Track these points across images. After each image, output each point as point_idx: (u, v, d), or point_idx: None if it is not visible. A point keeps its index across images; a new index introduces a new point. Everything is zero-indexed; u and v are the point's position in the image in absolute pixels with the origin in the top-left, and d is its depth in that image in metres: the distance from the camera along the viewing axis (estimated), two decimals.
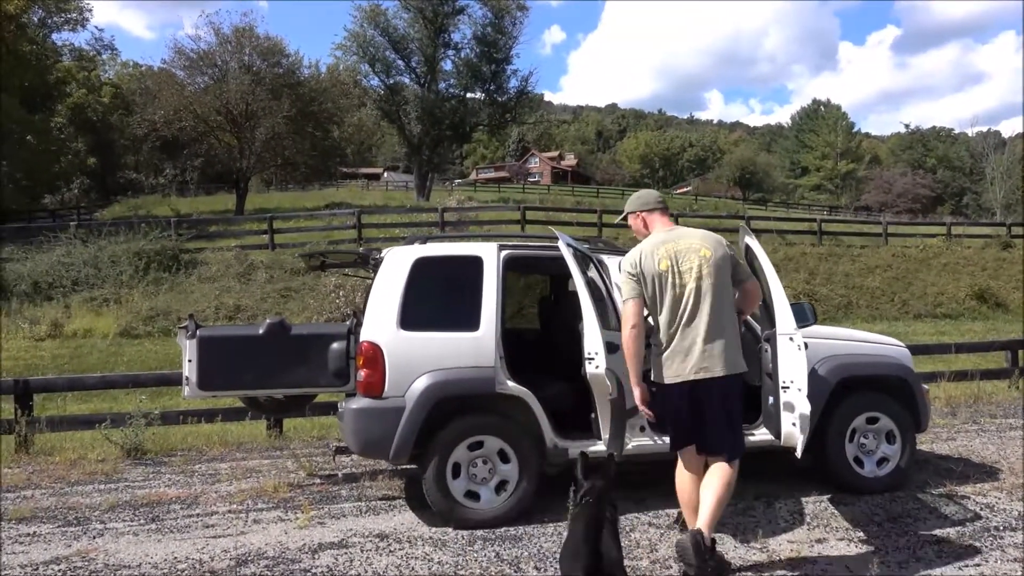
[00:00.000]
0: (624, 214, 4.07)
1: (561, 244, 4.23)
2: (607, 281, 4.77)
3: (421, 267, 4.62)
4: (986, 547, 3.88)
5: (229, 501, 5.18)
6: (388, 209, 25.75)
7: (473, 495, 4.48)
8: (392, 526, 4.53)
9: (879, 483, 4.95)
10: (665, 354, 3.63)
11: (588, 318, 3.97)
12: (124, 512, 4.99)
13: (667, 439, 4.24)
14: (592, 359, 3.91)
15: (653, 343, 3.74)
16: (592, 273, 4.57)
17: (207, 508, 5.04)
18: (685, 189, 72.86)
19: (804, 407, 4.03)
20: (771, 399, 4.41)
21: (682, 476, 3.76)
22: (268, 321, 5.39)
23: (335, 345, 5.34)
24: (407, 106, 38.11)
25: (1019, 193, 68.56)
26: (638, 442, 4.58)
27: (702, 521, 3.50)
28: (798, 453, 4.07)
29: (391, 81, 38.06)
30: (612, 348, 4.11)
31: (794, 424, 4.08)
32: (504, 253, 4.77)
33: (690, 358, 3.57)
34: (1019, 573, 3.55)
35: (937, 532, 4.14)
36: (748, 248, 4.42)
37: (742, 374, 3.75)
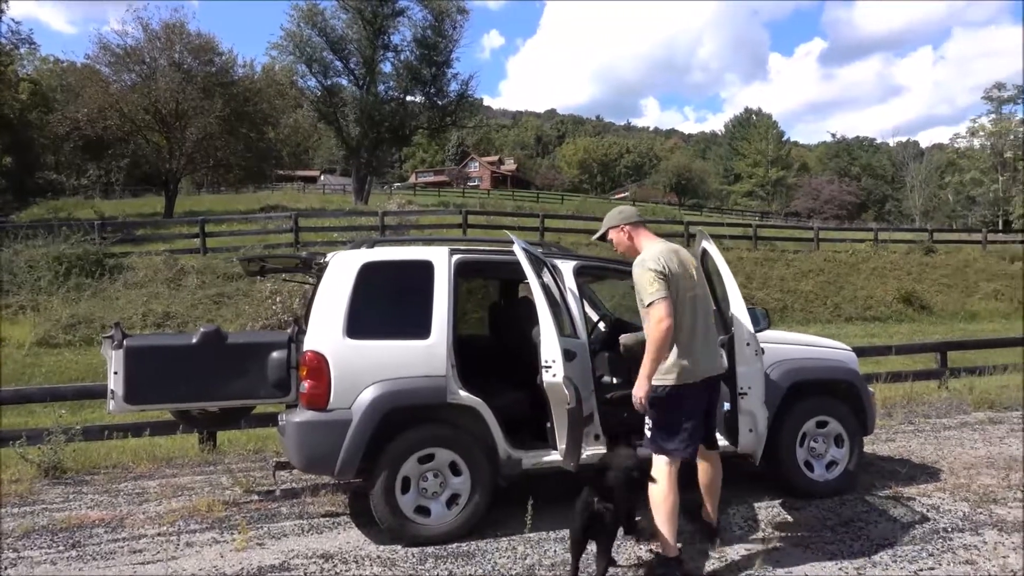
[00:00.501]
0: (603, 230, 4.02)
1: (516, 248, 4.09)
2: (561, 286, 4.66)
3: (368, 272, 4.42)
4: (937, 550, 3.90)
5: (158, 523, 4.85)
6: (326, 212, 25.15)
7: (423, 510, 4.30)
8: (337, 545, 4.30)
9: (829, 487, 4.97)
10: (687, 355, 3.64)
11: (545, 324, 3.84)
12: (41, 538, 4.61)
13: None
14: (549, 367, 3.78)
15: (675, 343, 3.64)
16: (546, 278, 4.45)
17: (134, 531, 4.70)
18: (623, 195, 73.85)
19: (762, 414, 4.01)
20: (726, 405, 4.38)
21: (673, 491, 3.61)
22: (202, 329, 5.06)
23: (275, 354, 5.06)
24: (345, 108, 37.41)
25: (936, 200, 72.13)
26: (592, 451, 4.46)
27: (713, 509, 4.10)
28: (756, 460, 4.05)
29: (329, 82, 37.27)
30: (569, 355, 4.00)
31: (751, 430, 4.05)
32: (456, 258, 4.61)
33: (707, 358, 3.72)
34: (970, 574, 3.58)
35: (889, 536, 4.16)
36: (705, 252, 4.38)
37: None
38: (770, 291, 18.86)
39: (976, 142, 67.91)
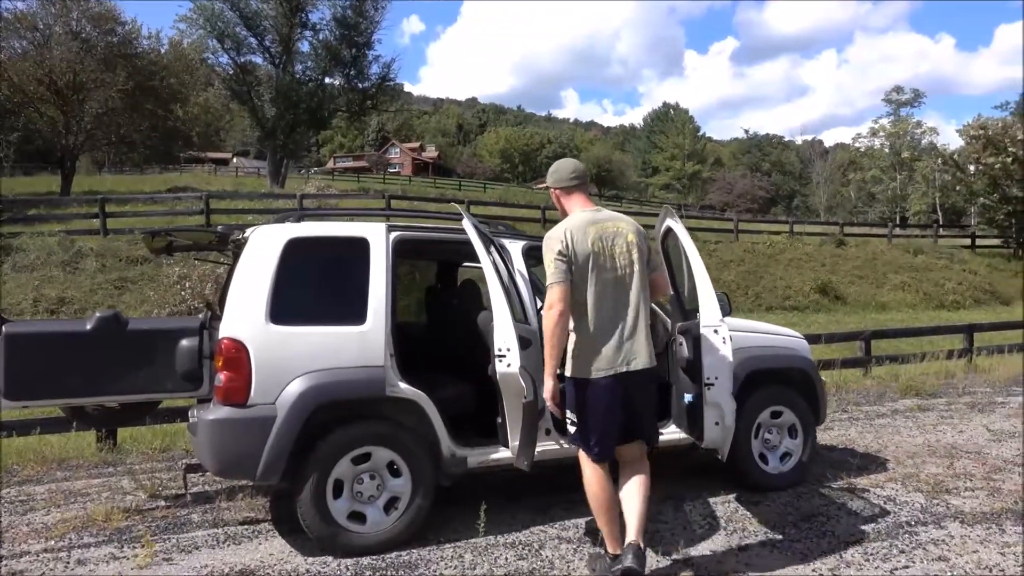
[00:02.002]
0: (546, 184, 3.70)
1: (466, 223, 3.68)
2: (510, 268, 4.26)
3: (295, 249, 3.90)
4: (907, 546, 3.73)
5: (46, 536, 4.20)
6: (239, 195, 23.83)
7: (358, 516, 3.83)
8: (259, 558, 3.79)
9: (784, 479, 4.80)
10: (593, 345, 3.27)
11: (499, 308, 3.44)
12: None
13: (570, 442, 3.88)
14: (503, 356, 3.39)
15: (575, 332, 3.30)
16: (495, 258, 4.04)
17: (16, 547, 4.04)
18: (544, 184, 73.95)
19: (729, 405, 3.74)
20: (688, 396, 4.10)
21: (598, 483, 3.33)
22: (98, 315, 4.43)
23: (185, 342, 4.50)
24: (260, 87, 35.66)
25: (839, 197, 75.68)
26: (543, 447, 4.10)
27: (636, 530, 3.25)
28: (723, 455, 3.78)
29: (242, 60, 35.48)
30: (525, 343, 3.61)
31: (717, 423, 3.78)
32: (394, 235, 4.14)
33: (621, 349, 3.28)
34: (946, 571, 3.41)
35: (854, 531, 3.98)
36: (670, 231, 4.07)
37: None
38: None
39: (877, 142, 71.51)
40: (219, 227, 4.39)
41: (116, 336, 4.38)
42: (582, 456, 3.38)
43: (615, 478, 3.42)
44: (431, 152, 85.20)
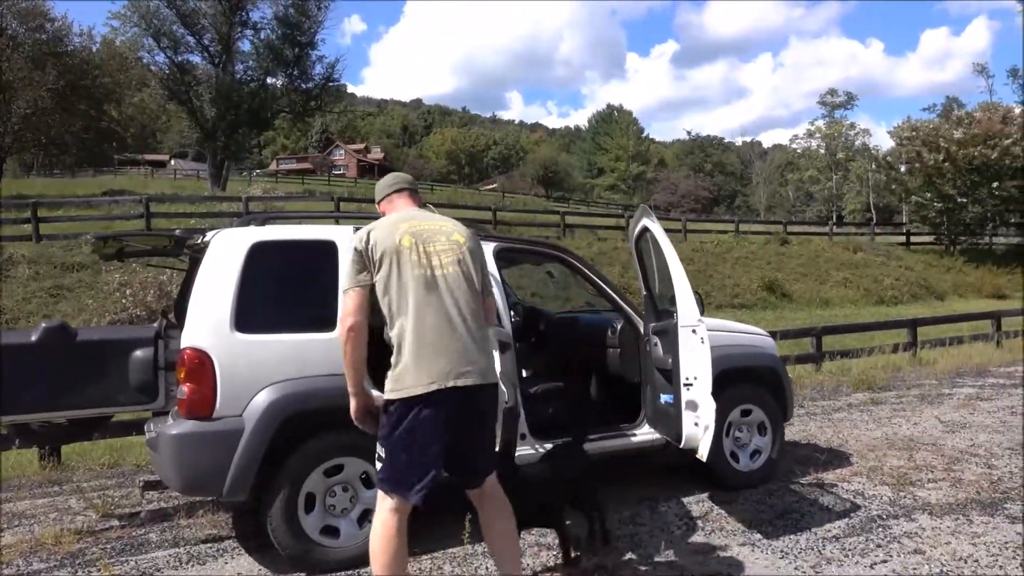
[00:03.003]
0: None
1: None
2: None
3: (259, 254, 3.73)
4: (883, 540, 3.78)
5: None
6: (180, 198, 23.01)
7: (331, 531, 3.69)
8: None
9: (754, 477, 4.83)
10: (407, 357, 2.67)
11: None
12: None
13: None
14: None
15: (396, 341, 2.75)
16: None
17: None
18: (492, 186, 73.97)
19: (709, 405, 3.72)
20: (665, 397, 4.09)
21: (390, 532, 2.69)
22: (44, 325, 4.20)
23: (138, 353, 4.31)
24: (199, 87, 34.67)
25: (778, 196, 77.86)
26: (520, 451, 4.02)
27: (515, 569, 2.87)
28: (702, 454, 3.76)
29: (180, 59, 34.42)
30: (502, 347, 3.54)
31: (696, 424, 3.76)
32: None
33: (446, 360, 2.66)
34: (923, 564, 3.46)
35: (828, 527, 4.01)
36: (646, 230, 4.05)
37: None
38: None
39: (813, 143, 73.82)
40: (177, 231, 4.18)
41: (64, 347, 4.16)
42: (386, 501, 2.71)
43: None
44: (376, 153, 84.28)
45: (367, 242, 2.77)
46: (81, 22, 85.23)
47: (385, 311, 2.76)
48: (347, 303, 2.76)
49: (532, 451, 4.12)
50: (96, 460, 6.16)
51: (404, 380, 2.66)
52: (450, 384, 2.64)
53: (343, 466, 3.71)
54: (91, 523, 4.54)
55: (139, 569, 3.75)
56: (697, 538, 3.93)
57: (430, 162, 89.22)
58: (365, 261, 2.76)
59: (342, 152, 79.47)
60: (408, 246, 2.77)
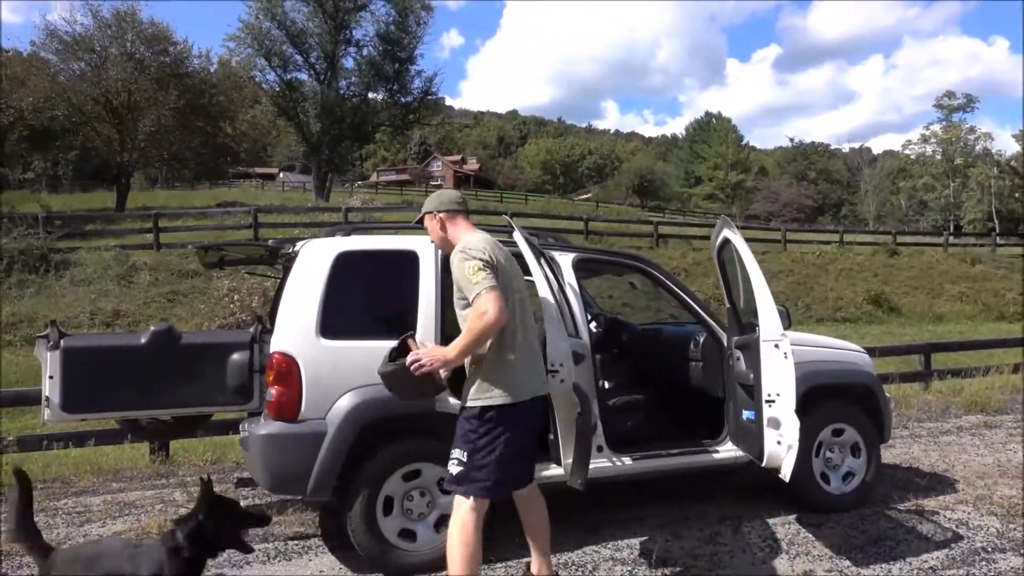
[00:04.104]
0: (420, 215, 3.35)
1: (517, 235, 3.61)
2: (560, 280, 4.18)
3: (345, 263, 3.88)
4: (985, 575, 3.52)
5: None
6: (286, 209, 24.25)
7: (409, 534, 3.78)
8: (309, 574, 3.75)
9: (846, 500, 4.59)
10: (518, 364, 3.02)
11: (552, 323, 3.36)
12: None
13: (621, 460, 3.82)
14: (557, 372, 3.30)
15: (504, 352, 3.02)
16: (546, 271, 3.97)
17: None
18: (586, 196, 73.84)
19: (792, 423, 3.58)
20: (747, 414, 3.97)
21: (468, 529, 2.96)
22: (153, 328, 4.49)
23: (235, 356, 4.53)
24: (306, 103, 36.41)
25: (889, 206, 73.88)
26: (594, 464, 3.99)
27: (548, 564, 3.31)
28: (785, 474, 3.62)
29: (288, 76, 36.27)
30: (577, 358, 3.54)
31: (779, 442, 3.63)
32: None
33: (539, 370, 3.16)
34: None
35: (925, 557, 3.78)
36: (727, 242, 3.95)
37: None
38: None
39: (928, 148, 69.72)
40: (270, 241, 4.40)
41: (170, 350, 4.43)
42: (464, 502, 2.98)
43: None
44: (472, 164, 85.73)
45: (493, 257, 2.99)
46: (200, 45, 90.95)
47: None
48: (486, 301, 2.81)
49: (609, 464, 4.10)
50: (200, 456, 6.53)
51: (518, 385, 3.00)
52: (541, 392, 3.12)
53: (420, 471, 3.79)
54: None
55: (231, 561, 3.95)
56: (781, 561, 3.78)
57: (524, 172, 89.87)
58: (495, 270, 2.95)
59: (439, 163, 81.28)
60: (510, 268, 3.11)
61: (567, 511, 4.55)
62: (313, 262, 3.86)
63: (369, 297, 4.00)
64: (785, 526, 4.32)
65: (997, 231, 46.36)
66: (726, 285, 4.35)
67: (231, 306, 13.92)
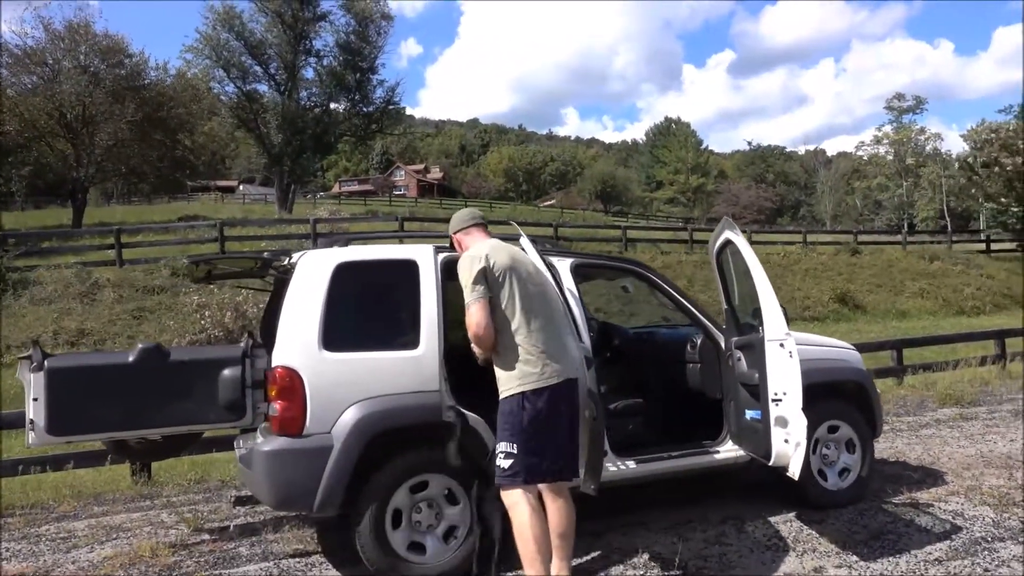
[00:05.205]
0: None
1: (524, 242, 3.59)
2: (560, 286, 4.16)
3: (344, 274, 3.82)
4: (991, 564, 3.60)
5: (94, 574, 4.09)
6: (250, 221, 23.85)
7: (418, 547, 3.72)
8: None
9: (843, 496, 4.65)
10: (532, 352, 3.17)
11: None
12: None
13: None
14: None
15: (519, 344, 3.21)
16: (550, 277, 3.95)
17: None
18: (549, 202, 74.19)
19: (800, 421, 3.62)
20: (751, 413, 4.00)
21: (527, 511, 3.09)
22: (140, 345, 4.35)
23: (227, 372, 4.38)
24: (266, 114, 35.96)
25: (844, 205, 75.56)
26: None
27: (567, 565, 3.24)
28: (794, 472, 3.65)
29: (248, 88, 35.80)
30: (587, 363, 3.52)
31: (787, 440, 3.66)
32: (442, 256, 4.05)
33: (566, 355, 3.27)
34: None
35: (929, 549, 3.84)
36: (728, 243, 3.99)
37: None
38: (712, 293, 18.84)
39: (881, 149, 71.47)
40: (264, 253, 4.31)
41: (159, 367, 4.30)
42: (512, 493, 3.14)
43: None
44: (436, 173, 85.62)
45: (490, 261, 3.20)
46: (157, 56, 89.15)
47: (511, 318, 3.19)
48: (479, 312, 3.17)
49: (614, 468, 4.09)
50: (183, 476, 6.36)
51: (543, 371, 3.13)
52: (569, 376, 3.21)
53: (428, 483, 3.74)
54: (183, 537, 4.69)
55: None
56: (790, 559, 3.81)
57: (488, 180, 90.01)
58: (487, 277, 3.18)
59: (402, 173, 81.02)
60: (518, 265, 3.27)
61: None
62: (312, 273, 3.79)
63: (370, 307, 3.94)
64: (787, 524, 4.36)
65: (950, 228, 47.72)
66: (724, 286, 4.39)
67: (202, 322, 13.63)
